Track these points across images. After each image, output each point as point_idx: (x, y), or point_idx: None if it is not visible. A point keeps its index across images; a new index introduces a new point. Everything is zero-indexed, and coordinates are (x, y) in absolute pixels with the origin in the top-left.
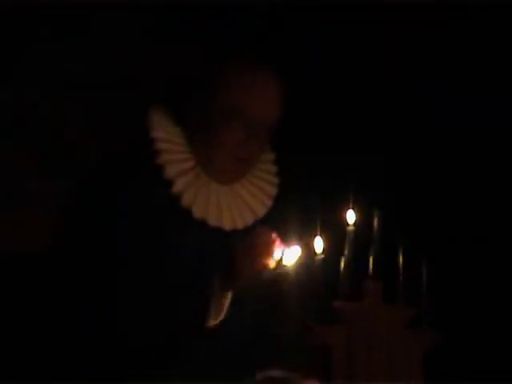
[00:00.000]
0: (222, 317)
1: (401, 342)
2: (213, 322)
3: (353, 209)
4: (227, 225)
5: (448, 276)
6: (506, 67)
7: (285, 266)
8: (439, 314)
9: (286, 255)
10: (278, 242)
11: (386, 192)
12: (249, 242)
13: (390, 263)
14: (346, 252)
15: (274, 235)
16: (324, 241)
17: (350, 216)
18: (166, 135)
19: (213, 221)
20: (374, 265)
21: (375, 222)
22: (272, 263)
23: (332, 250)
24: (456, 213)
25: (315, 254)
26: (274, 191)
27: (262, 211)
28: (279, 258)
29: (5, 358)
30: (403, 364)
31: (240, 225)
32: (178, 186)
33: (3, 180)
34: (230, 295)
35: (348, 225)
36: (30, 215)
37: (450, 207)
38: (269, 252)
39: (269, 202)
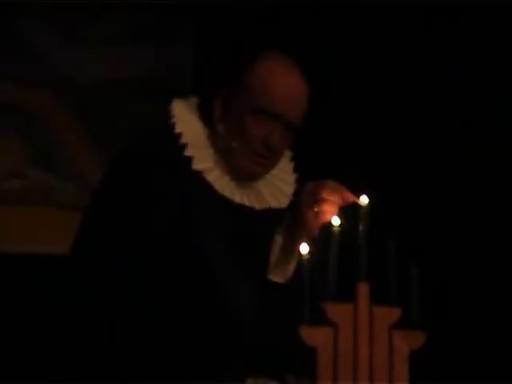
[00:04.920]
0: (287, 275)
1: (387, 343)
2: (276, 278)
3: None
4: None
5: (436, 276)
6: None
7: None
8: (427, 315)
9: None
10: (346, 199)
11: (375, 192)
12: (316, 196)
13: (378, 264)
14: (331, 253)
15: (344, 192)
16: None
17: (335, 218)
18: (190, 129)
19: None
20: (361, 266)
21: (361, 223)
22: (335, 220)
23: (319, 251)
24: (445, 213)
25: (301, 255)
26: (291, 190)
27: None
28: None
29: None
30: (390, 364)
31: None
32: (209, 176)
33: None
34: (295, 255)
35: (333, 226)
36: None
37: (439, 208)
38: (334, 207)
39: (286, 201)
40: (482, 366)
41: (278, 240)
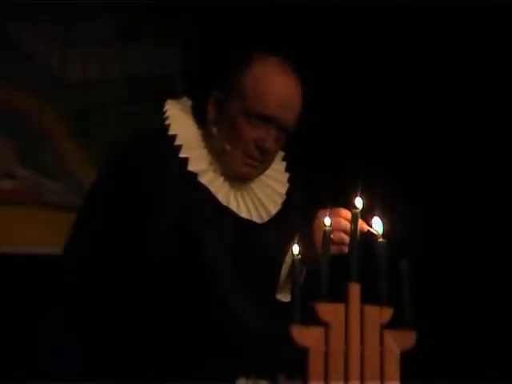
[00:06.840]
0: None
1: (379, 342)
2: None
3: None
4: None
5: (428, 276)
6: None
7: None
8: (418, 314)
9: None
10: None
11: (367, 193)
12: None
13: (369, 263)
14: (323, 253)
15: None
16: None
17: (327, 218)
18: (184, 131)
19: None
20: (352, 265)
21: (353, 223)
22: (326, 220)
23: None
24: (437, 212)
25: (293, 255)
26: (284, 189)
27: (273, 210)
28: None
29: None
30: (381, 364)
31: (256, 219)
32: (203, 178)
33: None
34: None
35: (325, 226)
36: None
37: (431, 206)
38: (344, 238)
39: (279, 201)
40: (473, 365)
41: (288, 262)
